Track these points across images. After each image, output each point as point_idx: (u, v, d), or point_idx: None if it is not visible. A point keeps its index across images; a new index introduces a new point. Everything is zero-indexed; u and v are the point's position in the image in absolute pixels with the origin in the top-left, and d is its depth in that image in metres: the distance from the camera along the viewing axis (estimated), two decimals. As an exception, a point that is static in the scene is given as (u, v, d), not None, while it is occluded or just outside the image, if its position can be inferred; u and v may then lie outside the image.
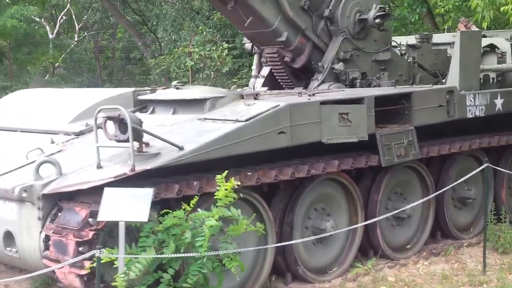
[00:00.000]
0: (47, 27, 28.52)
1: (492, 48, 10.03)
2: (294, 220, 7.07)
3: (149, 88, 7.48)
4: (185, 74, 19.28)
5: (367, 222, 7.31)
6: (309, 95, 7.33)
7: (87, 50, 29.90)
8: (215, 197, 5.68)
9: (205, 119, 6.53)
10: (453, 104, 8.36)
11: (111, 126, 5.85)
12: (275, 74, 9.47)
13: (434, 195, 8.01)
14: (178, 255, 5.42)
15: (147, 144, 6.02)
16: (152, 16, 26.77)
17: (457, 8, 11.94)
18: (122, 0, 26.69)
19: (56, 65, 26.50)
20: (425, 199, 7.81)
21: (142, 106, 7.47)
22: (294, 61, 9.22)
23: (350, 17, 9.27)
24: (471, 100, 8.58)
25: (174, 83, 7.36)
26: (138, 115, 7.06)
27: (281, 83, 9.52)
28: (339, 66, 9.05)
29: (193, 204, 5.62)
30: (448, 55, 10.37)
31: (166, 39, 24.30)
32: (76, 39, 29.06)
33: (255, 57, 9.93)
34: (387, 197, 8.06)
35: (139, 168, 5.68)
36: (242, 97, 7.10)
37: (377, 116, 7.69)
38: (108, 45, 31.10)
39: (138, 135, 5.79)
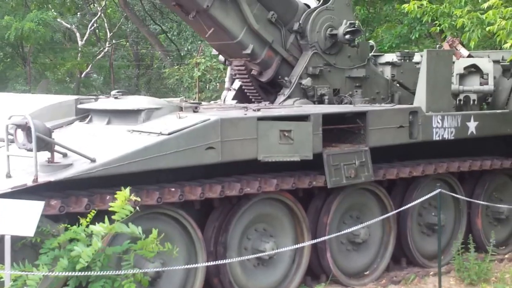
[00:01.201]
0: (78, 34, 28.71)
1: (476, 69, 9.61)
2: (229, 240, 6.77)
3: (94, 97, 7.27)
4: (196, 84, 19.19)
5: (305, 244, 7.00)
6: (254, 110, 7.05)
7: (124, 58, 30.03)
8: (110, 209, 5.41)
9: (133, 131, 6.30)
10: (416, 125, 7.98)
11: (20, 135, 5.65)
12: (243, 87, 9.21)
13: (386, 215, 7.61)
14: (71, 273, 5.16)
15: (65, 155, 5.80)
16: (173, 26, 26.78)
17: (454, 27, 11.51)
18: (145, 9, 26.72)
19: (85, 72, 26.62)
20: (367, 223, 7.38)
21: (85, 115, 7.26)
22: (261, 75, 8.95)
23: (320, 32, 8.98)
24: (438, 122, 8.19)
25: (113, 92, 7.15)
26: (76, 124, 6.92)
27: (250, 97, 9.25)
28: (307, 81, 8.76)
29: (89, 219, 5.37)
30: None
31: (185, 49, 24.27)
32: (106, 46, 29.21)
33: (228, 69, 9.70)
34: (340, 220, 7.70)
35: (43, 179, 5.46)
36: (181, 109, 6.85)
37: (331, 135, 7.40)
38: (146, 53, 31.19)
39: (47, 144, 5.58)
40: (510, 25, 8.69)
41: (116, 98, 6.97)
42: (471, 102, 9.39)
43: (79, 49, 27.39)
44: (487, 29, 9.45)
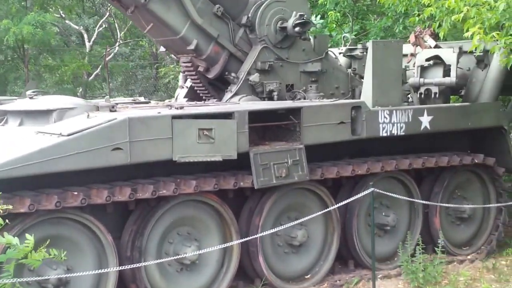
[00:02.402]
0: (85, 35, 28.56)
1: (441, 60, 9.20)
2: (145, 245, 6.50)
3: (15, 98, 7.07)
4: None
5: (224, 246, 6.67)
6: (176, 108, 6.77)
7: (141, 58, 29.84)
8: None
9: (39, 132, 6.07)
10: (360, 121, 7.63)
11: None
12: (192, 84, 8.93)
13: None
14: None
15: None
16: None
17: (433, 18, 11.07)
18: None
19: (94, 73, 26.48)
20: (297, 221, 7.05)
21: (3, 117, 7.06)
22: (208, 71, 8.64)
23: (270, 25, 8.63)
24: (385, 117, 7.83)
25: (28, 92, 6.93)
26: (-9, 125, 6.73)
27: (201, 94, 8.97)
28: (254, 77, 8.43)
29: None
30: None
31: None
32: (116, 46, 29.02)
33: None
34: (277, 222, 7.38)
35: None
36: (97, 108, 6.61)
37: (267, 133, 7.11)
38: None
39: None
40: (474, 13, 8.27)
41: (31, 98, 6.74)
42: (433, 95, 8.98)
43: (87, 50, 27.24)
44: (452, 18, 9.04)
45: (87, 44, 27.91)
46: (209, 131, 6.48)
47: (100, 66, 26.86)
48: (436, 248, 7.98)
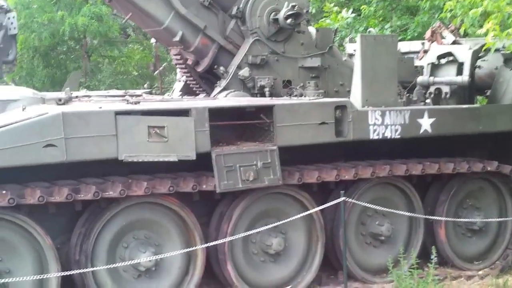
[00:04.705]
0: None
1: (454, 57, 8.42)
2: (91, 249, 6.05)
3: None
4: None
5: (176, 253, 6.15)
6: (132, 103, 6.30)
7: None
8: None
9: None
10: (346, 122, 6.98)
11: None
12: (185, 78, 8.46)
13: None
14: None
15: None
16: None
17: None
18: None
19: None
20: (264, 227, 6.47)
21: None
22: (198, 64, 8.16)
23: (262, 17, 8.07)
24: (377, 118, 7.14)
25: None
26: None
27: (194, 88, 8.48)
28: (243, 71, 7.89)
29: None
30: (415, 64, 8.88)
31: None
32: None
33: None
34: (250, 228, 6.79)
35: None
36: (43, 101, 6.21)
37: (233, 132, 6.58)
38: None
39: None
40: (491, 6, 7.51)
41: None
42: (443, 95, 8.21)
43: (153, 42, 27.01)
44: (470, 12, 8.27)
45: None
46: (160, 129, 5.98)
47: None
48: (429, 263, 7.20)
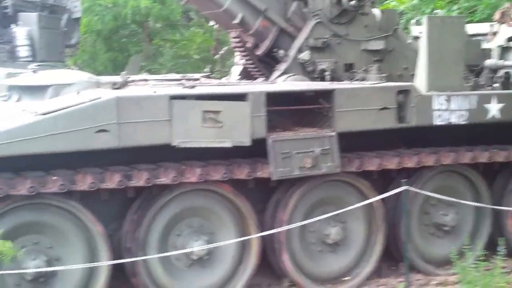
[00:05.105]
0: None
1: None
2: (143, 236, 5.94)
3: (21, 71, 6.68)
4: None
5: (228, 242, 5.95)
6: (188, 87, 6.12)
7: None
8: None
9: (25, 110, 5.62)
10: (409, 107, 6.68)
11: None
12: (244, 61, 8.26)
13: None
14: None
15: None
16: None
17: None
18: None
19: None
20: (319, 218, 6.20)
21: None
22: (257, 47, 7.95)
23: None
24: (441, 104, 6.81)
25: (30, 66, 6.50)
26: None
27: (252, 72, 8.28)
28: (304, 55, 7.65)
29: None
30: (482, 47, 8.49)
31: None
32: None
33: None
34: (308, 217, 6.53)
35: None
36: (98, 85, 6.09)
37: (291, 117, 6.36)
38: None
39: None
40: None
41: (34, 72, 6.32)
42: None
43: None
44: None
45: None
46: (215, 114, 5.79)
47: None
48: (496, 255, 6.87)
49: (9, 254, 4.83)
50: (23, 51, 13.53)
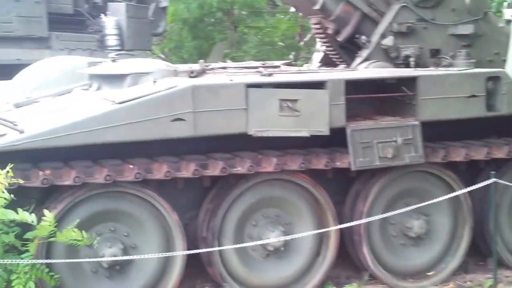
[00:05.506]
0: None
1: None
2: (219, 226, 5.83)
3: (102, 60, 6.67)
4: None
5: (306, 234, 5.79)
6: (265, 75, 5.98)
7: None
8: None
9: (104, 99, 5.61)
10: (499, 94, 6.35)
11: None
12: (324, 48, 8.06)
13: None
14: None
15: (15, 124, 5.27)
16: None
17: None
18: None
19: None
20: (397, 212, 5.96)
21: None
22: (338, 34, 7.73)
23: None
24: (533, 91, 6.44)
25: (111, 54, 6.48)
26: (76, 90, 6.43)
27: (333, 59, 8.07)
28: (387, 40, 7.39)
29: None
30: None
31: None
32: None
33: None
34: (389, 209, 6.28)
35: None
36: (175, 73, 6.02)
37: (371, 105, 6.16)
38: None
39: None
40: None
41: (113, 61, 6.30)
42: None
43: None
44: None
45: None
46: (292, 102, 5.62)
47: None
48: None
49: (84, 243, 4.83)
50: (111, 40, 13.75)
